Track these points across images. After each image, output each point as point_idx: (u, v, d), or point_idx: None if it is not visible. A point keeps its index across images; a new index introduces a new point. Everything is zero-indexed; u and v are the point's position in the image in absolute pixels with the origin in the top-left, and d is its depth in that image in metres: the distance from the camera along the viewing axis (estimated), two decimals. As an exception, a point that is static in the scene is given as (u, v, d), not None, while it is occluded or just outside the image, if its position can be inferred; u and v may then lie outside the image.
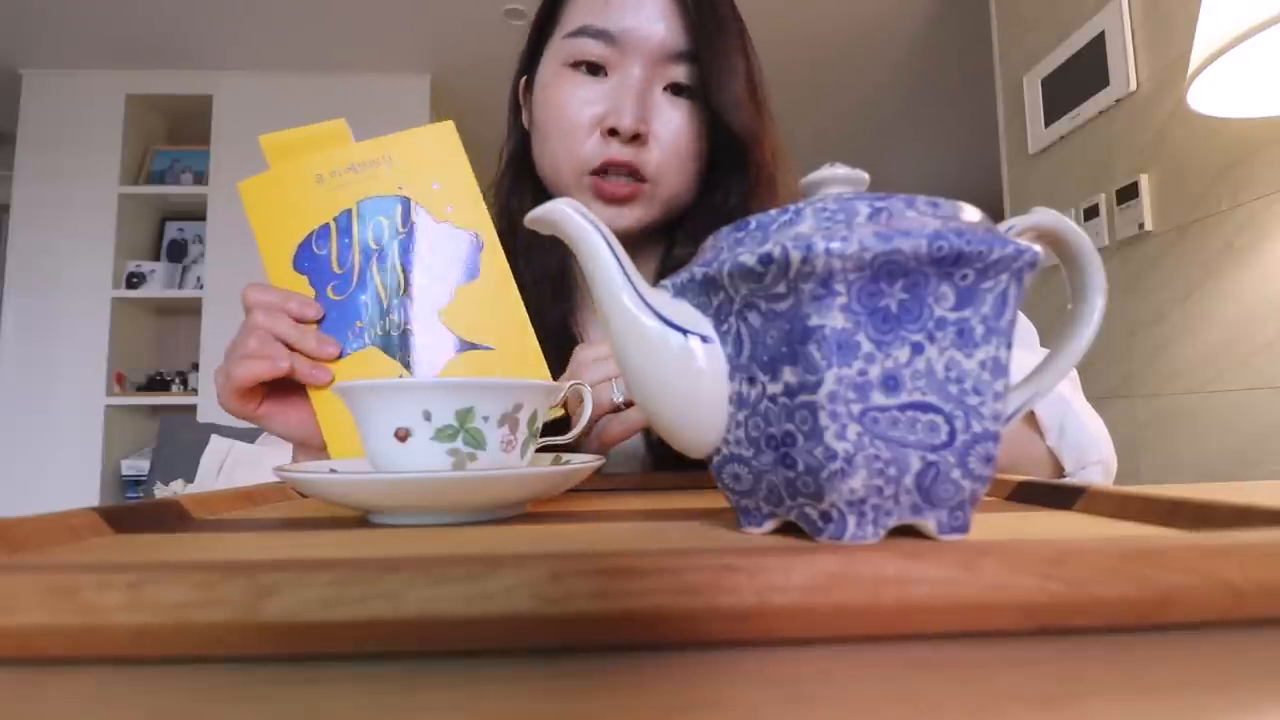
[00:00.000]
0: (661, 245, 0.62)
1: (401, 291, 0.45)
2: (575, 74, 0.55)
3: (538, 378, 0.44)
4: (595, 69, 0.55)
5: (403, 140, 0.46)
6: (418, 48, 2.64)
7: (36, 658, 0.15)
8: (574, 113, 0.55)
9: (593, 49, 0.54)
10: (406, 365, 0.45)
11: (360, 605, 0.14)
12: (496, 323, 0.45)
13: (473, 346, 0.45)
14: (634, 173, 0.55)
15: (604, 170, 0.55)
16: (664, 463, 0.57)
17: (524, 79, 0.62)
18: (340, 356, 0.45)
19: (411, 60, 2.72)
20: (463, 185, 0.46)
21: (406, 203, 0.46)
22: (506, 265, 0.46)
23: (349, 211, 0.45)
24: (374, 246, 0.45)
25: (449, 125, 0.46)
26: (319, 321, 0.45)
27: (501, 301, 0.45)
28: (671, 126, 0.55)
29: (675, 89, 0.56)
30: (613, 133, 0.54)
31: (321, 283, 0.45)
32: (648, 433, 0.57)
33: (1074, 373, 0.58)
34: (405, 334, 0.45)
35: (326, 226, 0.46)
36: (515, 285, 0.46)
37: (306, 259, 0.45)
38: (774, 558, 0.15)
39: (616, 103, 0.54)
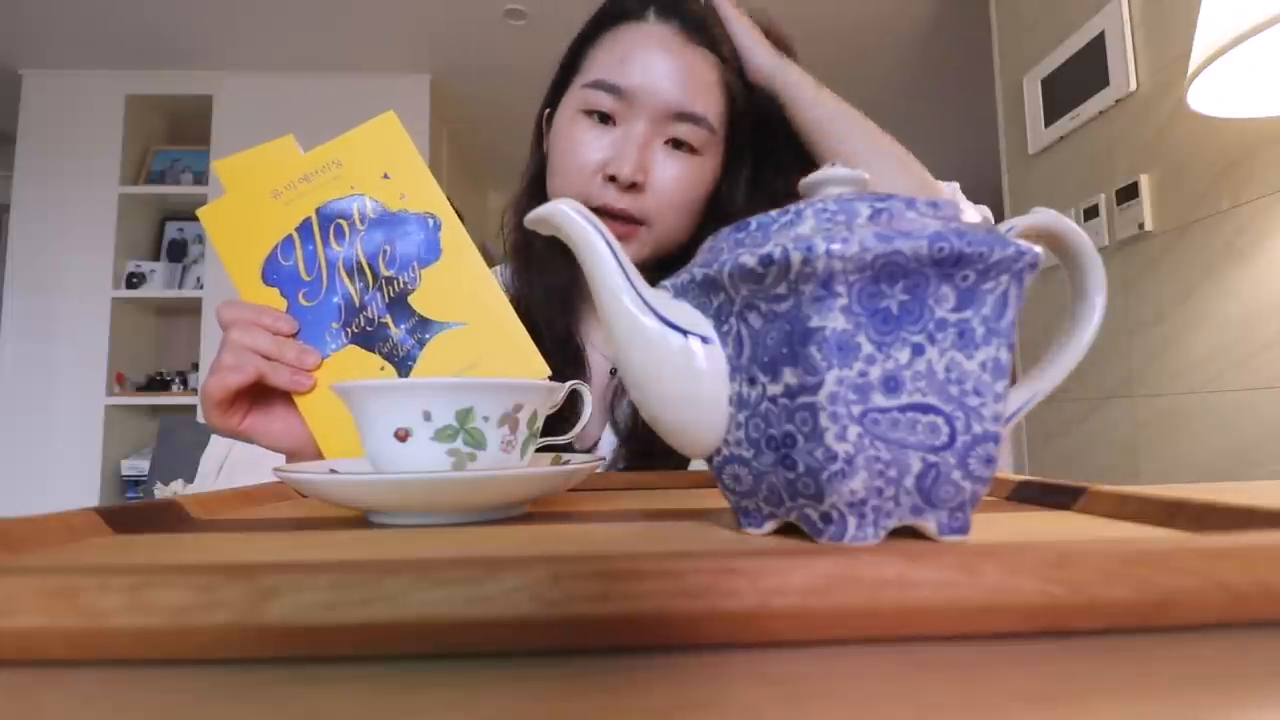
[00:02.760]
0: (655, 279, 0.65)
1: (371, 286, 0.46)
2: (587, 121, 0.60)
3: (516, 345, 0.45)
4: (605, 118, 0.60)
5: (349, 141, 0.47)
6: (418, 48, 2.64)
7: (36, 660, 0.15)
8: (581, 156, 0.59)
9: (604, 101, 0.59)
10: (385, 357, 0.45)
11: (361, 608, 0.14)
12: (466, 298, 0.46)
13: (447, 326, 0.45)
14: (629, 219, 0.59)
15: (601, 214, 0.58)
16: (636, 459, 0.58)
17: (546, 111, 0.67)
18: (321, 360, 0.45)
19: (411, 60, 2.72)
20: (412, 171, 0.46)
21: (362, 200, 0.46)
22: (467, 238, 0.46)
23: (309, 220, 0.46)
24: (337, 249, 0.46)
25: (390, 116, 0.47)
26: (296, 331, 0.46)
27: (467, 275, 0.46)
28: (668, 176, 0.59)
29: (675, 143, 0.60)
30: (612, 179, 0.58)
31: (292, 291, 0.46)
32: (619, 428, 0.60)
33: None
34: (381, 327, 0.45)
35: (289, 238, 0.46)
36: (479, 255, 0.46)
37: (274, 271, 0.46)
38: (774, 560, 0.15)
39: (619, 152, 0.58)
